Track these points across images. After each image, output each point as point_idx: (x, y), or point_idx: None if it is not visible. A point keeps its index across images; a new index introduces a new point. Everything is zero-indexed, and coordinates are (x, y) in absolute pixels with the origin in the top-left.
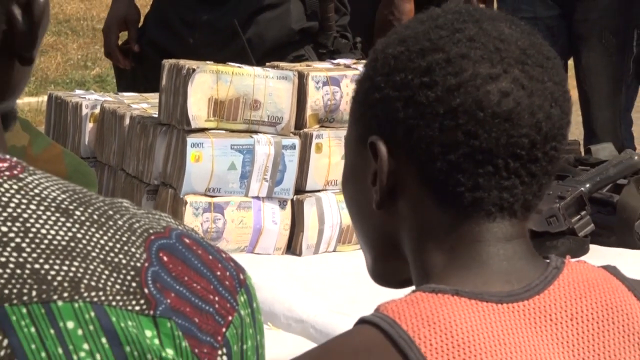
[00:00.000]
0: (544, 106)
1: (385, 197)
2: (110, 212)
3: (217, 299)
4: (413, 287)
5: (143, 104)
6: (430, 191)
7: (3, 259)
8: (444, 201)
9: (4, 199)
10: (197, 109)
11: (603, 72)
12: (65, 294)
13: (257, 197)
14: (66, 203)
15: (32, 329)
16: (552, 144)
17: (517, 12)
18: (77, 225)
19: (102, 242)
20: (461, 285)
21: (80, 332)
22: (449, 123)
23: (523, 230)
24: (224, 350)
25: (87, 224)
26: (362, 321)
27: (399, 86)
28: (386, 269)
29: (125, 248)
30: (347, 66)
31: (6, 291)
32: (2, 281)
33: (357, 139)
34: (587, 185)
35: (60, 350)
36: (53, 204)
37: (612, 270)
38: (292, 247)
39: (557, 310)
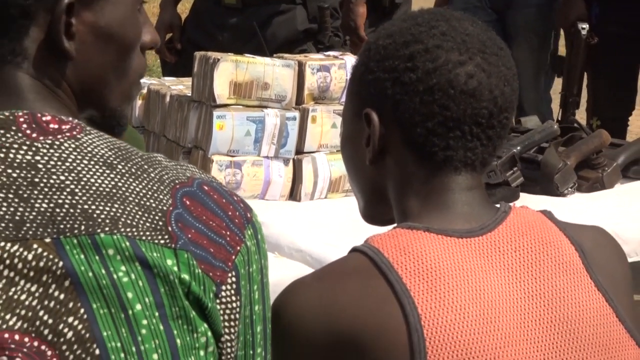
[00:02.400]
0: (499, 85)
1: (376, 155)
2: (145, 166)
3: (228, 233)
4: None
5: (180, 86)
6: (411, 151)
7: (60, 201)
8: (422, 158)
9: (64, 155)
10: (221, 89)
11: (529, 63)
12: (107, 229)
13: (267, 157)
14: (112, 159)
15: (82, 255)
16: (504, 114)
17: None
18: (118, 176)
19: (137, 189)
20: (431, 223)
21: (118, 257)
22: (427, 98)
23: (480, 182)
24: (233, 272)
25: (127, 175)
26: (354, 250)
27: (388, 70)
28: (375, 211)
29: (155, 195)
30: (335, 57)
31: (62, 226)
32: (59, 218)
33: (353, 111)
34: (518, 148)
35: (103, 271)
36: (101, 160)
37: (547, 214)
38: (294, 194)
39: (504, 244)
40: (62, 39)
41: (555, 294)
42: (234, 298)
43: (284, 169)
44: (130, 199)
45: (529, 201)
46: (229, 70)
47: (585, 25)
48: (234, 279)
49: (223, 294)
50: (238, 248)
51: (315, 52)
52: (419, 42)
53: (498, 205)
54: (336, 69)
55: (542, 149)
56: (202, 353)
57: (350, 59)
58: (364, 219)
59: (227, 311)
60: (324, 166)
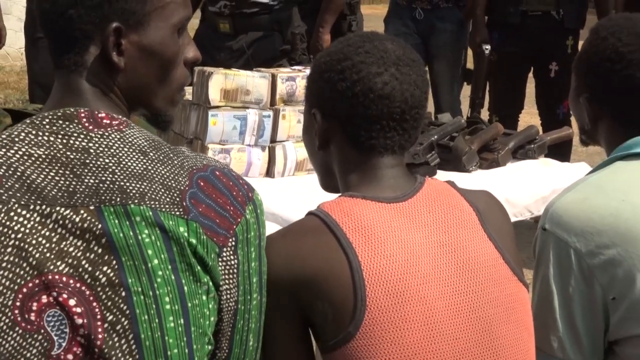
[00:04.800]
0: (410, 89)
1: (323, 143)
2: (171, 155)
3: (231, 208)
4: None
5: None
6: (346, 140)
7: (104, 178)
8: (354, 146)
9: (110, 143)
10: (214, 95)
11: (447, 74)
12: (136, 201)
13: (249, 145)
14: (146, 148)
15: (116, 220)
16: (415, 110)
17: None
18: (149, 162)
19: (162, 172)
20: (366, 192)
21: (143, 223)
22: (354, 101)
23: (401, 161)
24: (233, 238)
25: (156, 161)
26: (310, 213)
27: (327, 80)
28: (328, 184)
29: (176, 177)
30: (300, 70)
31: (103, 197)
32: (101, 191)
33: (307, 109)
34: (435, 137)
35: (131, 233)
36: (138, 148)
37: (451, 183)
38: (269, 173)
39: (421, 207)
40: (111, 55)
41: (459, 244)
42: (232, 257)
43: (261, 154)
44: (156, 179)
45: (443, 176)
46: (220, 80)
47: (488, 47)
48: (233, 243)
49: (224, 254)
50: (239, 220)
51: (288, 67)
52: (348, 59)
53: (416, 178)
54: (300, 79)
55: (453, 137)
56: (204, 297)
57: None
58: (322, 188)
59: (227, 267)
60: (292, 151)
